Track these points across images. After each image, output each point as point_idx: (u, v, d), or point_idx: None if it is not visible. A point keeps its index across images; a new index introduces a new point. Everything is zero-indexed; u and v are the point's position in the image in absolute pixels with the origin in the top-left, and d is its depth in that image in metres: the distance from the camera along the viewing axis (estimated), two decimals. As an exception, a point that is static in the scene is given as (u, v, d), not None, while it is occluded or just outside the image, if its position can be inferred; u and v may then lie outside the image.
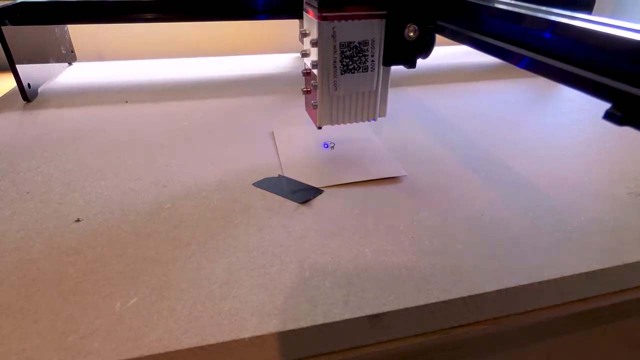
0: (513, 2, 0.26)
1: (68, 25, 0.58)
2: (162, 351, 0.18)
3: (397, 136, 0.39)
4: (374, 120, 0.33)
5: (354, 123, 0.33)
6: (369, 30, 0.29)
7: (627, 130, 0.17)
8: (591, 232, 0.26)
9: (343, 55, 0.29)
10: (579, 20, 0.20)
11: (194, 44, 0.67)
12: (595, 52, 0.19)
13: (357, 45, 0.29)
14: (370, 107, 0.33)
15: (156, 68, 0.59)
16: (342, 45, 0.29)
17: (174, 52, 0.67)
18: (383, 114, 0.33)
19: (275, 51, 0.69)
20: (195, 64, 0.62)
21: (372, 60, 0.30)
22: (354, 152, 0.36)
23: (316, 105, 0.31)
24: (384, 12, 0.29)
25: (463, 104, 0.47)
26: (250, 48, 0.69)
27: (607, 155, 0.36)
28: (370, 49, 0.30)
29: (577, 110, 0.45)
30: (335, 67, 0.30)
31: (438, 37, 0.31)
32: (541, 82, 0.53)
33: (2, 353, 0.18)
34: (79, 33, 0.61)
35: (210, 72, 0.58)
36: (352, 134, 0.39)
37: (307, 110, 0.35)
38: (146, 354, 0.18)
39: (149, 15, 0.48)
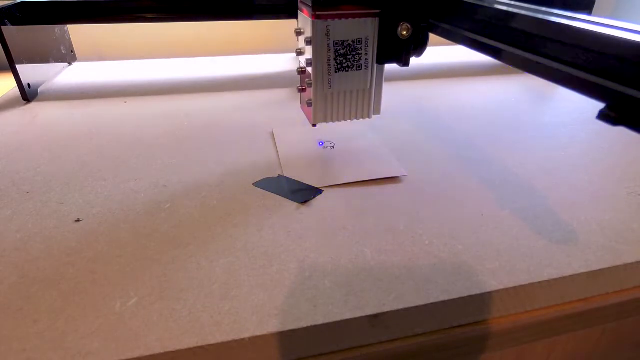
0: (509, 2, 0.26)
1: (68, 25, 0.58)
2: (162, 351, 0.18)
3: (397, 136, 0.39)
4: (369, 118, 0.33)
5: (353, 122, 0.33)
6: (363, 29, 0.29)
7: (627, 131, 0.17)
8: (591, 232, 0.26)
9: (337, 54, 0.30)
10: (573, 20, 0.20)
11: (194, 44, 0.67)
12: (590, 53, 0.19)
13: (351, 43, 0.30)
14: (364, 105, 0.33)
15: (156, 68, 0.59)
16: (336, 43, 0.29)
17: (174, 52, 0.67)
18: (377, 111, 0.34)
19: (275, 51, 0.69)
20: (194, 64, 0.62)
21: (366, 59, 0.31)
22: (354, 152, 0.36)
23: (311, 103, 0.31)
24: (378, 11, 0.29)
25: (463, 104, 0.47)
26: (250, 48, 0.69)
27: (607, 155, 0.36)
28: (364, 48, 0.30)
29: (577, 110, 0.46)
30: (329, 65, 0.30)
31: (434, 37, 0.31)
32: (541, 81, 0.53)
33: (2, 353, 0.18)
34: (79, 33, 0.61)
35: (210, 72, 0.58)
36: (352, 134, 0.39)
37: (302, 108, 0.35)
38: (146, 354, 0.18)
39: (149, 15, 0.48)
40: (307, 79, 0.31)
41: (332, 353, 0.21)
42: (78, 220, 0.27)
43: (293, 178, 0.32)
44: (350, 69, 0.31)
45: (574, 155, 0.36)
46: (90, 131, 0.40)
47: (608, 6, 0.75)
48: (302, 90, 0.33)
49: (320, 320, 0.20)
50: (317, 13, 0.28)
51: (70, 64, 0.61)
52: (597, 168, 0.34)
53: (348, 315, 0.20)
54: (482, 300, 0.22)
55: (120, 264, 0.23)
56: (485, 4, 0.25)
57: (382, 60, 0.31)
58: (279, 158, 0.35)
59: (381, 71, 0.32)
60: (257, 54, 0.68)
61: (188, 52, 0.67)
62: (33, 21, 0.46)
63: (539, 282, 0.23)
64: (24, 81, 0.45)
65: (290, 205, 0.29)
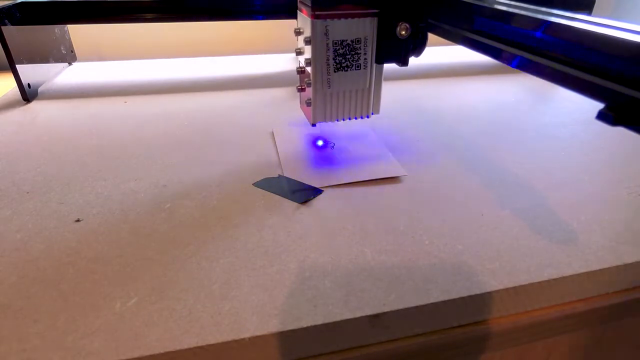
0: (509, 2, 0.26)
1: (68, 25, 0.58)
2: (162, 351, 0.18)
3: (397, 136, 0.39)
4: (368, 117, 0.33)
5: (353, 122, 0.33)
6: (362, 29, 0.30)
7: (627, 131, 0.17)
8: (591, 232, 0.26)
9: (336, 53, 0.30)
10: (572, 20, 0.20)
11: (194, 44, 0.67)
12: (589, 53, 0.19)
13: (350, 43, 0.30)
14: (363, 105, 0.33)
15: (156, 68, 0.59)
16: (335, 43, 0.29)
17: (174, 52, 0.67)
18: (377, 111, 0.34)
19: (275, 51, 0.69)
20: (195, 64, 0.62)
21: (365, 58, 0.31)
22: (354, 152, 0.36)
23: (310, 103, 0.31)
24: (376, 11, 0.29)
25: (463, 104, 0.47)
26: (250, 48, 0.69)
27: (607, 155, 0.36)
28: (362, 47, 0.30)
29: (577, 110, 0.46)
30: (328, 64, 0.30)
31: (434, 37, 0.31)
32: (541, 81, 0.53)
33: (2, 353, 0.18)
34: (79, 33, 0.61)
35: (210, 72, 0.58)
36: (352, 134, 0.39)
37: (301, 107, 0.35)
38: (146, 354, 0.18)
39: (149, 15, 0.48)
40: (306, 79, 0.31)
41: (332, 353, 0.21)
42: (78, 220, 0.27)
43: (293, 178, 0.32)
44: (349, 69, 0.31)
45: (574, 155, 0.36)
46: (90, 131, 0.40)
47: (608, 6, 0.75)
48: (301, 90, 0.33)
49: (320, 320, 0.20)
50: (316, 13, 0.28)
51: (70, 64, 0.61)
52: (597, 168, 0.34)
53: (348, 315, 0.20)
54: (482, 300, 0.22)
55: (120, 264, 0.23)
56: (485, 4, 0.25)
57: (381, 59, 0.31)
58: (279, 158, 0.35)
59: (380, 71, 0.32)
60: (257, 54, 0.68)
61: (188, 52, 0.67)
62: (33, 21, 0.45)
63: (539, 282, 0.23)
64: (24, 81, 0.45)
65: (290, 205, 0.29)
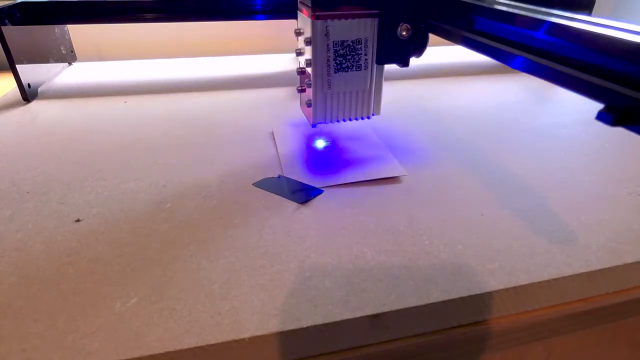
0: (509, 2, 0.26)
1: (68, 25, 0.58)
2: (162, 351, 0.18)
3: (397, 136, 0.39)
4: (368, 118, 0.33)
5: (353, 122, 0.33)
6: (362, 29, 0.30)
7: (627, 131, 0.17)
8: (591, 232, 0.26)
9: (336, 54, 0.30)
10: (572, 20, 0.20)
11: (194, 44, 0.67)
12: (589, 53, 0.19)
13: (351, 44, 0.30)
14: (364, 105, 0.33)
15: (156, 68, 0.59)
16: (336, 44, 0.29)
17: (174, 52, 0.66)
18: (377, 112, 0.34)
19: (275, 51, 0.69)
20: (194, 64, 0.62)
21: (366, 59, 0.31)
22: (354, 151, 0.36)
23: (310, 104, 0.31)
24: (377, 11, 0.29)
25: (463, 104, 0.47)
26: (250, 48, 0.69)
27: (607, 155, 0.36)
28: (363, 48, 0.30)
29: (577, 110, 0.46)
30: (328, 65, 0.30)
31: (434, 37, 0.31)
32: (541, 81, 0.53)
33: (2, 353, 0.18)
34: (79, 33, 0.61)
35: (210, 72, 0.58)
36: (352, 133, 0.39)
37: (301, 108, 0.35)
38: (146, 354, 0.18)
39: (149, 15, 0.48)
40: (306, 79, 0.31)
41: (332, 353, 0.21)
42: (78, 220, 0.27)
43: (293, 178, 0.32)
44: (349, 69, 0.31)
45: (574, 155, 0.36)
46: (90, 131, 0.40)
47: (608, 6, 0.75)
48: (301, 91, 0.33)
49: (320, 320, 0.20)
50: (317, 13, 0.28)
51: (70, 64, 0.61)
52: (597, 168, 0.34)
53: (348, 315, 0.20)
54: (482, 300, 0.22)
55: (120, 264, 0.23)
56: (485, 5, 0.25)
57: (381, 60, 0.31)
58: (279, 158, 0.35)
59: (381, 71, 0.32)
60: (257, 54, 0.68)
61: (188, 52, 0.67)
62: (33, 21, 0.46)
63: (539, 282, 0.23)
64: (24, 81, 0.45)
65: (290, 205, 0.29)
